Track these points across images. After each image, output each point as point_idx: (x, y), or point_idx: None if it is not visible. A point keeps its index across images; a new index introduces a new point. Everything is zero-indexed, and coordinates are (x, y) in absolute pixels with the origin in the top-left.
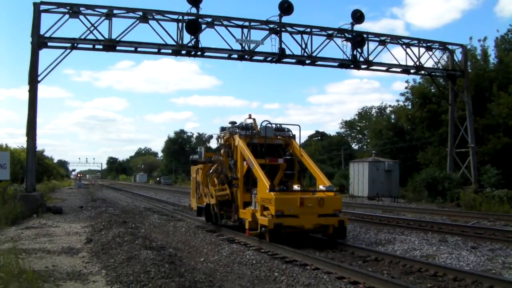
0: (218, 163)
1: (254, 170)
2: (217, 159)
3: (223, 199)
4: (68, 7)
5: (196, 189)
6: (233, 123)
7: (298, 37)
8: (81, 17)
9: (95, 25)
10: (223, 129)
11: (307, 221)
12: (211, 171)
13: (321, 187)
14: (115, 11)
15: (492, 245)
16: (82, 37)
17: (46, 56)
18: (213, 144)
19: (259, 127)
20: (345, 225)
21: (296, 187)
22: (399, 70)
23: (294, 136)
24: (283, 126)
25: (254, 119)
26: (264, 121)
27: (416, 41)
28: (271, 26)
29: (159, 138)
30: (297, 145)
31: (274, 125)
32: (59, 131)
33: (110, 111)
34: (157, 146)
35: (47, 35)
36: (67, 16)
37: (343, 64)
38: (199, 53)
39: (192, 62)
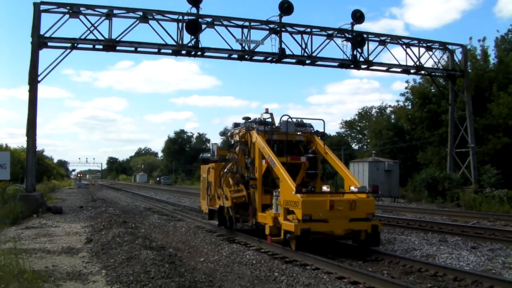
0: (233, 162)
1: (276, 170)
2: (232, 157)
3: (239, 201)
4: (68, 7)
5: (206, 190)
6: (247, 118)
7: (298, 37)
8: (81, 17)
9: (95, 25)
10: (236, 125)
11: (337, 226)
12: (225, 170)
13: (352, 188)
14: (115, 11)
15: (492, 245)
16: (82, 37)
17: (46, 56)
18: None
19: (277, 122)
20: (379, 231)
21: (325, 188)
22: (399, 70)
23: (316, 132)
24: (304, 121)
25: (271, 114)
26: (284, 115)
27: (416, 41)
28: (271, 26)
29: (159, 138)
30: (320, 142)
31: (294, 120)
32: (59, 131)
33: (110, 111)
34: (157, 146)
35: (47, 35)
36: (67, 16)
37: (343, 64)
38: (199, 53)
39: (192, 62)
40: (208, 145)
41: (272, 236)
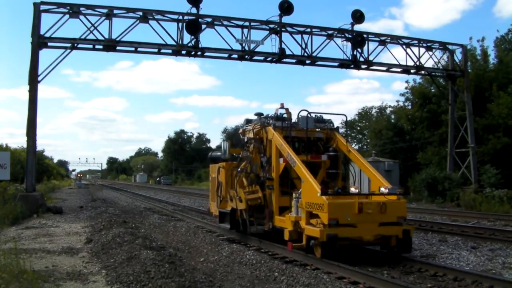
0: (247, 161)
1: (296, 169)
2: (246, 156)
3: (254, 204)
4: (68, 7)
5: (216, 191)
6: (259, 114)
7: (298, 37)
8: (81, 17)
9: (95, 25)
10: (248, 121)
11: (367, 231)
12: (239, 170)
13: (382, 189)
14: (115, 11)
15: (492, 245)
16: (82, 37)
17: (46, 56)
18: (214, 143)
19: (294, 117)
20: (411, 236)
21: (353, 189)
22: (399, 70)
23: (337, 129)
24: (323, 116)
25: (287, 109)
26: (302, 110)
27: (416, 41)
28: (271, 26)
29: (159, 138)
30: (342, 139)
31: (313, 115)
32: (59, 131)
33: (110, 111)
34: (157, 146)
35: (47, 35)
36: (67, 16)
37: (343, 64)
38: (199, 53)
39: (192, 62)
40: (209, 144)
41: (292, 242)
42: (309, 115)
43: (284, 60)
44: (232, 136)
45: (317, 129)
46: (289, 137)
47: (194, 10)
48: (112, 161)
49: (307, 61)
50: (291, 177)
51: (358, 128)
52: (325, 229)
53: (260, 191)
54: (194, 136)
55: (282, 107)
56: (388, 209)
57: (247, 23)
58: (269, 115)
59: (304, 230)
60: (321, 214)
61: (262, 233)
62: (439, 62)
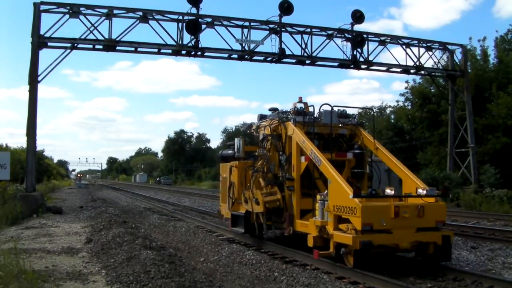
0: (264, 159)
1: (322, 168)
2: (263, 154)
3: (272, 206)
4: (68, 7)
5: (228, 192)
6: (274, 109)
7: (298, 37)
8: (81, 17)
9: (95, 25)
10: (263, 117)
11: (403, 237)
12: (255, 169)
13: (419, 190)
14: (115, 11)
15: (492, 245)
16: (82, 37)
17: (46, 56)
18: (214, 143)
19: (315, 112)
20: (451, 243)
21: (388, 191)
22: (399, 70)
23: (362, 124)
24: (347, 111)
25: (305, 103)
26: (324, 104)
27: (416, 41)
28: (271, 26)
29: (159, 138)
30: (368, 135)
31: (336, 110)
32: (59, 131)
33: (110, 111)
34: (157, 146)
35: (47, 35)
36: (67, 16)
37: (343, 64)
38: (199, 53)
39: (192, 62)
40: (209, 144)
41: (319, 250)
42: (332, 109)
43: (284, 60)
44: (233, 136)
45: (340, 125)
46: (311, 134)
47: (194, 10)
48: (112, 161)
49: (307, 61)
50: (314, 178)
51: None
52: (358, 235)
53: (279, 193)
54: (194, 136)
55: (300, 101)
56: (426, 213)
57: (247, 23)
58: (290, 109)
59: (332, 237)
60: (352, 218)
61: (278, 238)
62: (439, 62)
